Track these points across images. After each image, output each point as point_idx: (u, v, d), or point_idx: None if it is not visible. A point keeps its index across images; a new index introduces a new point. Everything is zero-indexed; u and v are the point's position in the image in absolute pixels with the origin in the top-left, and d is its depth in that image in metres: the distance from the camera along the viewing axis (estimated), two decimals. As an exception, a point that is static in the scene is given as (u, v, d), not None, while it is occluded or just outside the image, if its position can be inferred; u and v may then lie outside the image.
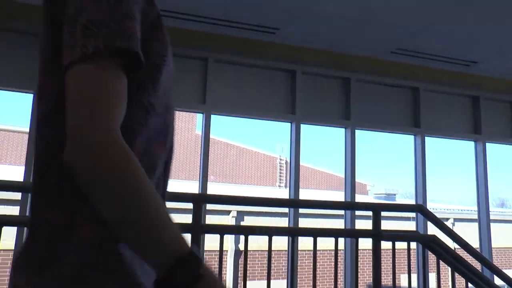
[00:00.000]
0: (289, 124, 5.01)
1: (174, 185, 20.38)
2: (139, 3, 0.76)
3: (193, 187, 19.16)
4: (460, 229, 18.56)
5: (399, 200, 24.08)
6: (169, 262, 0.65)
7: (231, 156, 23.65)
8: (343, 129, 5.22)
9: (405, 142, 5.55)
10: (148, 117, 0.79)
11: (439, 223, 3.17)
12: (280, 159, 22.35)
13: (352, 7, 4.09)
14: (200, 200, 2.51)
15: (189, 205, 2.51)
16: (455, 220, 17.73)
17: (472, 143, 5.91)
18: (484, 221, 5.58)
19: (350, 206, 3.39)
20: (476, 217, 5.80)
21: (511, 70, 5.68)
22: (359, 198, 12.10)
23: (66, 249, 0.70)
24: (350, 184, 5.00)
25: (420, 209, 3.29)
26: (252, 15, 4.35)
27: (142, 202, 0.64)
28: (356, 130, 5.18)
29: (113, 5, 0.71)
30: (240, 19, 4.45)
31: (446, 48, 4.99)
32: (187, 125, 26.97)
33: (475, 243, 5.00)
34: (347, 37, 4.78)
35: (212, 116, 4.68)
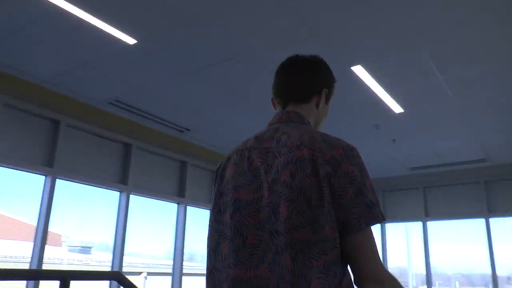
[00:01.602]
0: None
1: None
2: None
3: None
4: (152, 283, 18.94)
5: (94, 253, 23.22)
6: None
7: None
8: (43, 177, 4.60)
9: (110, 196, 5.31)
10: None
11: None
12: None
13: (80, 48, 3.73)
14: None
15: None
16: (148, 273, 18.05)
17: (175, 205, 6.10)
18: (177, 274, 5.86)
19: (35, 275, 2.80)
20: (167, 270, 6.04)
21: (216, 142, 6.20)
22: (52, 250, 11.00)
23: None
24: (42, 236, 4.37)
25: (118, 277, 3.04)
26: None
27: None
28: (57, 180, 4.64)
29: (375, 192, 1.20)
30: None
31: (163, 111, 5.06)
32: None
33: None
34: (66, 77, 4.33)
35: None
